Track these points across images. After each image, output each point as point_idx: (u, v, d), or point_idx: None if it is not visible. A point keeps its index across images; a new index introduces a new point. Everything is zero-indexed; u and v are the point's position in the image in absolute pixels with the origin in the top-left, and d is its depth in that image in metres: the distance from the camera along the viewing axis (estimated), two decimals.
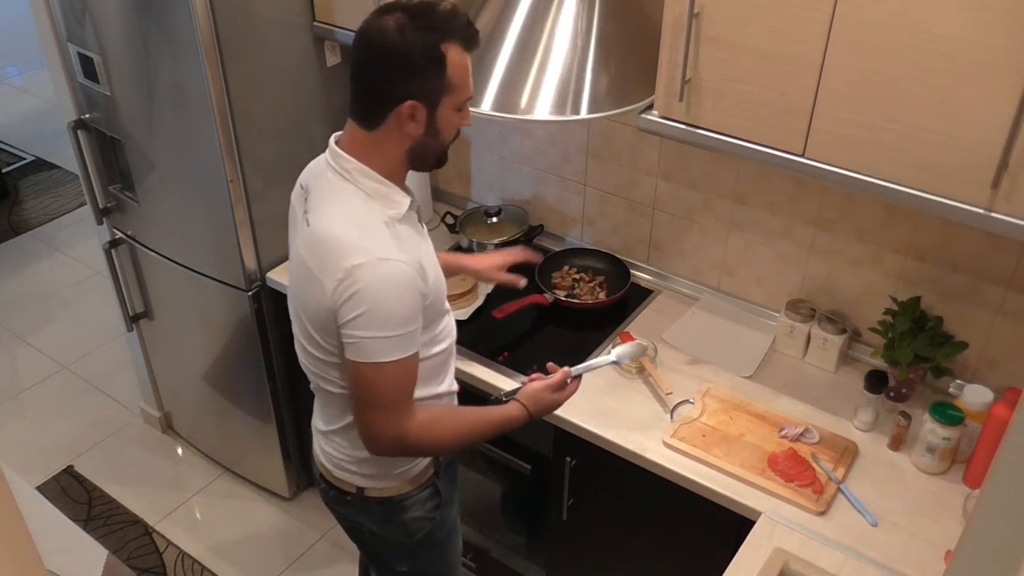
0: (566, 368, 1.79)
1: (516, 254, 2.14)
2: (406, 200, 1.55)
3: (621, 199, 2.40)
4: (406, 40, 1.41)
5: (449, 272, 1.88)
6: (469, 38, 1.49)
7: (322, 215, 1.54)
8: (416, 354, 1.55)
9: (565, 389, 1.77)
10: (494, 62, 1.85)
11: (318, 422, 1.78)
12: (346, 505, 1.80)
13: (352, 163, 1.52)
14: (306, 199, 1.61)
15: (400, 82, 1.45)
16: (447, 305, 1.71)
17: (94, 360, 3.58)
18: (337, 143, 1.57)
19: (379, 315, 1.47)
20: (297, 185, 1.68)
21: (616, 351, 1.93)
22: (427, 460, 1.77)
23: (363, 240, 1.47)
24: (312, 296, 1.53)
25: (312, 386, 1.73)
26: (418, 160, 1.56)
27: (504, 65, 1.84)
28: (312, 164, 1.66)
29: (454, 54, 1.46)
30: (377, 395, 1.54)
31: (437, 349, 1.67)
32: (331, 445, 1.74)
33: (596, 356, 2.13)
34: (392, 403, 1.55)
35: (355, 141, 1.54)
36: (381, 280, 1.46)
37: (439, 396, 1.73)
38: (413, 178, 1.66)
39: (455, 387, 1.80)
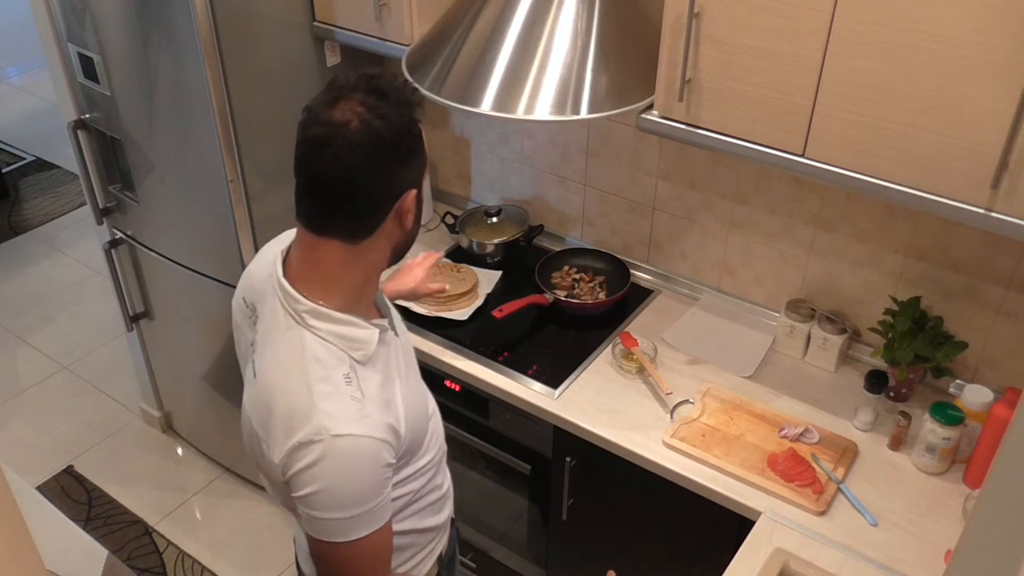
0: None
1: (429, 258, 1.99)
2: (372, 335, 1.30)
3: (621, 199, 2.40)
4: (391, 126, 1.20)
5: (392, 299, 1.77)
6: (421, 100, 1.29)
7: (267, 368, 1.29)
8: (387, 524, 1.31)
9: None
10: (494, 62, 1.85)
11: (300, 538, 1.53)
12: None
13: (304, 304, 1.27)
14: (255, 324, 1.36)
15: (397, 175, 1.23)
16: (429, 410, 1.49)
17: (94, 360, 3.58)
18: (286, 263, 1.31)
19: (335, 496, 1.23)
20: (239, 299, 1.43)
21: None
22: (431, 563, 1.59)
23: (313, 408, 1.22)
24: (261, 456, 1.31)
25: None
26: (399, 254, 1.34)
27: (504, 65, 1.84)
28: (256, 270, 1.41)
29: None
30: (336, 573, 1.32)
31: (424, 460, 1.45)
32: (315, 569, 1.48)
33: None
34: None
35: (317, 265, 1.28)
36: (336, 459, 1.22)
37: (437, 500, 1.54)
38: None
39: (448, 485, 1.60)
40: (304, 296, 1.27)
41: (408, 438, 1.34)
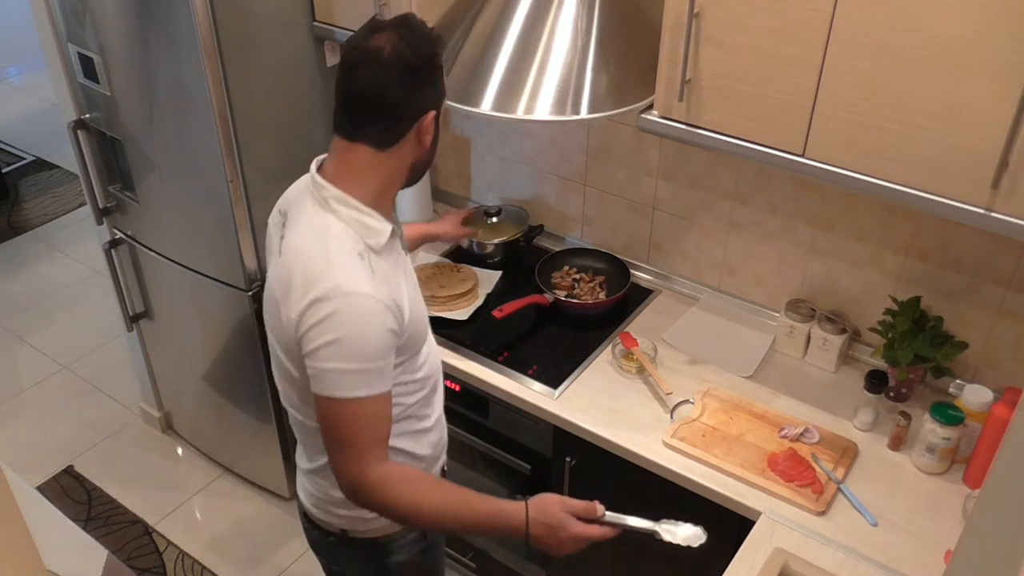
0: (600, 504, 1.55)
1: (462, 213, 2.41)
2: (386, 228, 1.47)
3: (621, 199, 2.40)
4: (417, 53, 1.41)
5: (419, 243, 2.26)
6: (444, 43, 1.52)
7: (291, 242, 1.47)
8: (388, 394, 1.46)
9: (587, 526, 1.54)
10: (494, 62, 1.85)
11: (300, 459, 1.70)
12: (329, 547, 1.72)
13: (331, 191, 1.45)
14: (283, 225, 1.54)
15: (420, 95, 1.44)
16: (428, 337, 1.64)
17: (94, 360, 3.58)
18: (320, 168, 1.51)
19: (345, 345, 1.38)
20: (275, 211, 1.61)
21: (665, 527, 1.56)
22: None
23: (330, 270, 1.40)
24: (280, 324, 1.46)
25: (291, 420, 1.64)
26: (418, 172, 1.53)
27: (504, 65, 1.84)
28: (291, 189, 1.60)
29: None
30: (339, 434, 1.44)
31: (420, 375, 1.60)
32: (313, 484, 1.66)
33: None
34: (354, 445, 1.44)
35: (348, 165, 1.46)
36: (347, 310, 1.38)
37: (425, 431, 1.66)
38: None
39: (436, 418, 1.71)
40: (332, 186, 1.46)
41: (409, 330, 1.50)
